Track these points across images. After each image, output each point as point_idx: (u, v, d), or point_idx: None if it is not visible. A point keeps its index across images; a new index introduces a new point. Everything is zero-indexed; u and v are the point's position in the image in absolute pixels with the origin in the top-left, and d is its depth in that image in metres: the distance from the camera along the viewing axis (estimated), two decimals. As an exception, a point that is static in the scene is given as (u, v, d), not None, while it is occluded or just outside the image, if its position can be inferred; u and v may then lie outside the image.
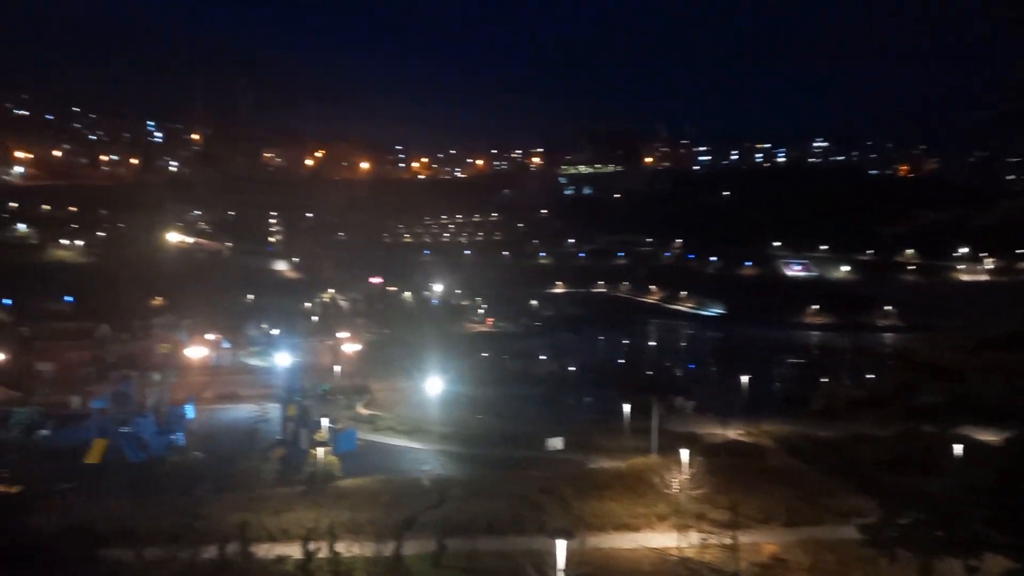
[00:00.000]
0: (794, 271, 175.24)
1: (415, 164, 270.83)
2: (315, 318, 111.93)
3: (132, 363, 67.42)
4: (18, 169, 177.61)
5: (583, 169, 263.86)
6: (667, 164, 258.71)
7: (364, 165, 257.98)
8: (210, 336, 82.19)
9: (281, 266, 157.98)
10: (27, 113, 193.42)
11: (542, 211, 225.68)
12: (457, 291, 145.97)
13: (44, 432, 43.96)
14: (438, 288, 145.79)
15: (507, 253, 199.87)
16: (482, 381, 65.14)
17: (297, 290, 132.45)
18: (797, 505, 27.79)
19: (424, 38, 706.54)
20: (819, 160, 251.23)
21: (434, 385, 51.66)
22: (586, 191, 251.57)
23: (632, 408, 42.13)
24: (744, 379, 49.11)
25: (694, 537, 24.58)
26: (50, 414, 45.94)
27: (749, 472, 32.67)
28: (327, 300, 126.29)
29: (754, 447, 39.98)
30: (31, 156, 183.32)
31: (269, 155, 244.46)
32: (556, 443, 38.61)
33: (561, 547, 14.94)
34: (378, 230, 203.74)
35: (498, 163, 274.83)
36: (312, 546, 22.08)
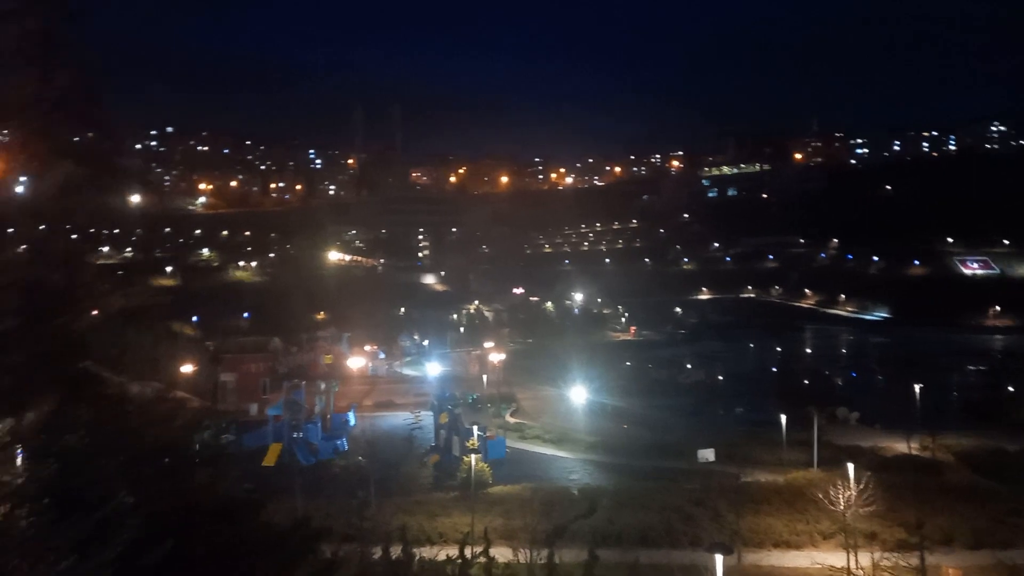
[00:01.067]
0: (971, 269, 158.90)
1: (553, 175, 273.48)
2: (462, 329, 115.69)
3: (301, 373, 72.93)
4: (201, 199, 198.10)
5: (727, 170, 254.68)
6: (819, 160, 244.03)
7: (504, 179, 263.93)
8: (367, 347, 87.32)
9: (430, 280, 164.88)
10: (207, 148, 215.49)
11: (684, 216, 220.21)
12: (598, 300, 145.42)
13: (228, 437, 48.62)
14: (579, 297, 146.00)
15: (648, 260, 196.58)
16: (627, 390, 64.44)
17: (445, 302, 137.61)
18: (983, 525, 25.23)
19: (559, 46, 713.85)
20: (996, 146, 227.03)
21: (579, 394, 51.81)
22: (731, 192, 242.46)
23: (789, 419, 40.08)
24: (916, 388, 45.21)
25: (865, 558, 22.98)
26: (233, 420, 50.62)
27: (925, 489, 30.07)
28: (472, 311, 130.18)
29: (930, 462, 36.70)
30: (211, 187, 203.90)
31: (416, 174, 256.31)
32: (708, 455, 37.45)
33: (719, 562, 14.54)
34: (519, 242, 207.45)
35: (637, 168, 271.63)
36: (469, 550, 22.88)
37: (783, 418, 38.72)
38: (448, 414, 43.43)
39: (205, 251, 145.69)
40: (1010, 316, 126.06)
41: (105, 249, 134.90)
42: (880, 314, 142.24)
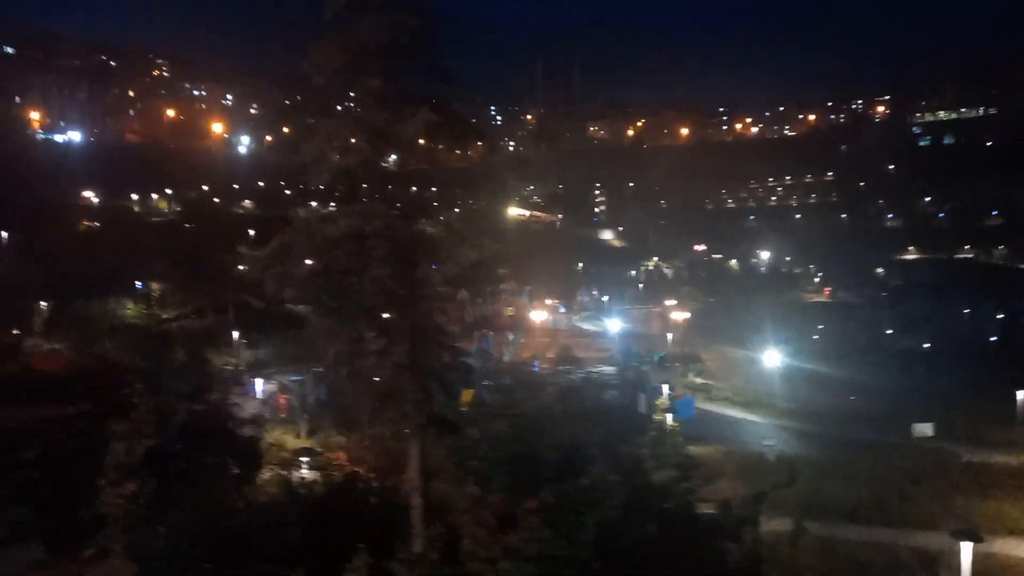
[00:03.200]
0: None
1: (739, 125, 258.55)
2: (640, 286, 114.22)
3: (486, 323, 75.96)
4: (392, 158, 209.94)
5: (942, 115, 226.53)
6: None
7: (685, 130, 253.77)
8: (548, 301, 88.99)
9: (607, 235, 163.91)
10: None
11: (888, 166, 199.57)
12: (787, 258, 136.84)
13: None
14: (766, 255, 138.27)
15: (845, 216, 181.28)
16: (822, 354, 60.39)
17: (623, 258, 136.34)
18: None
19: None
20: None
21: (772, 357, 49.36)
22: (946, 140, 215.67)
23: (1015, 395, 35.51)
24: None
25: None
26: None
27: None
28: (652, 268, 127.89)
29: None
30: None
31: (594, 127, 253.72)
32: (925, 429, 34.23)
33: (967, 550, 13.14)
34: (700, 196, 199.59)
35: (834, 116, 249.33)
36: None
37: (1020, 394, 34.31)
38: (634, 371, 43.20)
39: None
40: None
41: (314, 204, 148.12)
42: None
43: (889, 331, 79.87)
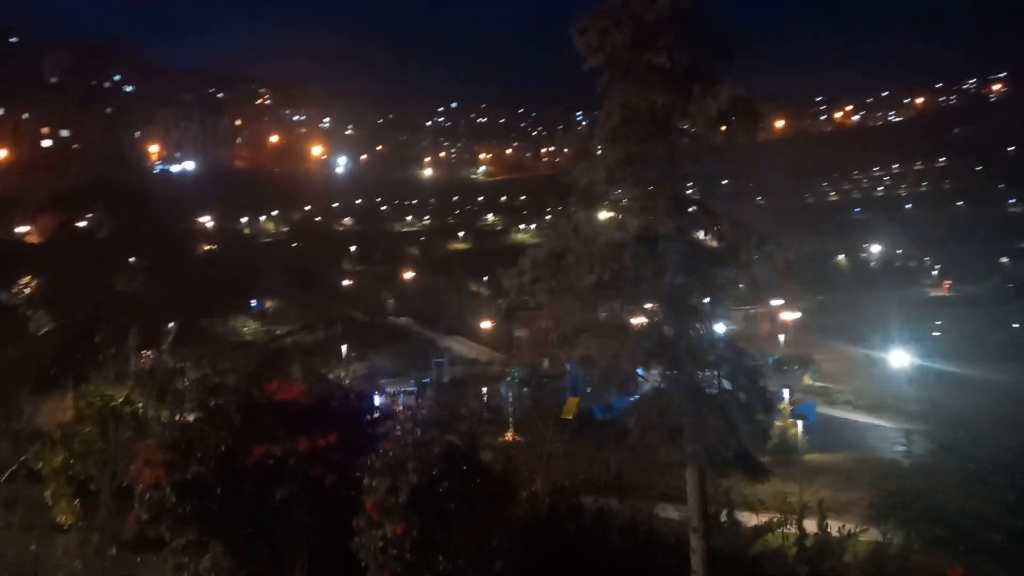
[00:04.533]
0: None
1: (838, 114, 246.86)
2: (741, 285, 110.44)
3: (584, 329, 75.39)
4: (481, 168, 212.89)
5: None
6: None
7: (780, 122, 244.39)
8: (648, 305, 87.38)
9: (701, 235, 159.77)
10: (485, 120, 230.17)
11: (1008, 148, 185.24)
12: (899, 251, 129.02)
13: (527, 389, 51.93)
14: (876, 248, 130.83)
15: (962, 203, 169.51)
16: (948, 353, 56.32)
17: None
18: None
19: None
20: None
21: (895, 357, 46.52)
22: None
23: None
24: None
25: None
26: (534, 373, 53.89)
27: None
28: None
29: None
30: (490, 156, 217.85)
31: (684, 126, 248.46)
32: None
33: None
34: (800, 190, 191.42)
35: (942, 99, 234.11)
36: (805, 522, 21.56)
37: None
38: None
39: (490, 216, 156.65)
40: None
41: (409, 218, 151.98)
42: None
43: (1016, 325, 73.85)
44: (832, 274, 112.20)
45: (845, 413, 41.71)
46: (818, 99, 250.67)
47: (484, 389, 46.33)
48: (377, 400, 41.67)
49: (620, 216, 15.93)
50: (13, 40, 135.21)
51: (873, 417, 40.22)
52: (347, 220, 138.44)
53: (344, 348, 59.84)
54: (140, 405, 18.74)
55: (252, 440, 11.88)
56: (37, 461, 15.81)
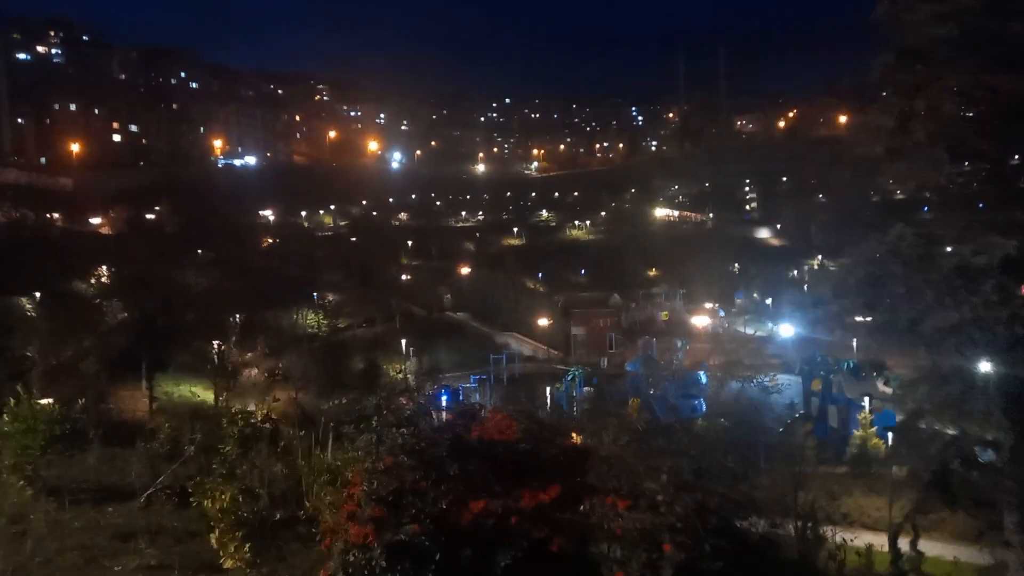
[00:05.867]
0: None
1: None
2: (805, 287, 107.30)
3: (642, 328, 74.30)
4: (535, 164, 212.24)
5: None
6: None
7: (843, 119, 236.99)
8: (707, 304, 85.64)
9: (763, 233, 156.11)
10: (538, 115, 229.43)
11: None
12: (972, 247, 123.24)
13: (589, 388, 51.28)
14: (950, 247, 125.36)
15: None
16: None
17: (782, 257, 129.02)
18: None
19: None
20: None
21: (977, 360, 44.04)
22: None
23: None
24: None
25: None
26: (594, 373, 53.24)
27: None
28: (816, 267, 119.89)
29: None
30: (543, 152, 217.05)
31: (742, 121, 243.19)
32: None
33: None
34: (865, 187, 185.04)
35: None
36: (897, 541, 20.43)
37: None
38: (822, 380, 40.14)
39: (543, 212, 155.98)
40: None
41: (463, 213, 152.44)
42: None
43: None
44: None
45: (923, 421, 39.75)
46: (884, 93, 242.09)
47: (548, 389, 45.73)
48: (445, 399, 41.47)
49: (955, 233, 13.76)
50: (84, 39, 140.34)
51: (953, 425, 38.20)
52: (403, 215, 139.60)
53: (403, 343, 60.07)
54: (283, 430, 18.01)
55: (467, 493, 10.33)
56: (199, 495, 14.17)
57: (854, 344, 54.20)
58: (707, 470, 10.53)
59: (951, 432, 14.89)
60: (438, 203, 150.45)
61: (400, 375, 52.11)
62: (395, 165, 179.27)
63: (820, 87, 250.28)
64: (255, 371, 47.47)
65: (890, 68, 14.96)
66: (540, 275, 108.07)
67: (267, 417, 17.73)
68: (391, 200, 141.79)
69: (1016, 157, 15.21)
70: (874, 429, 32.55)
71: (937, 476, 16.53)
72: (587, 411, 45.63)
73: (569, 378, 49.03)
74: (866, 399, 34.37)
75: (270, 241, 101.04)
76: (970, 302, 12.86)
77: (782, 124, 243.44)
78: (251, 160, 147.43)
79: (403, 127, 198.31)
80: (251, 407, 23.51)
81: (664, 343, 59.97)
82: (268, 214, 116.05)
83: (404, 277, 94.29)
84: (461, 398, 42.74)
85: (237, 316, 54.68)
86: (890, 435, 27.09)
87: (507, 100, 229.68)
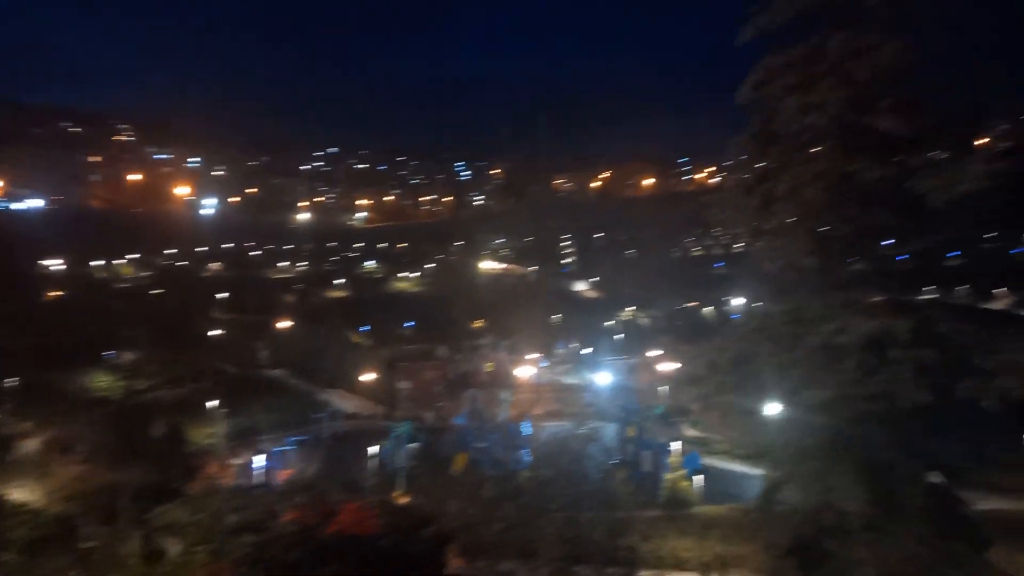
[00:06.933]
0: None
1: (700, 175, 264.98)
2: (618, 336, 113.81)
3: (468, 381, 74.50)
4: (360, 215, 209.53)
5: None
6: None
7: (649, 181, 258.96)
8: (530, 355, 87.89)
9: (581, 286, 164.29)
10: (366, 166, 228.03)
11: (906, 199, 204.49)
12: (759, 303, 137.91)
13: (415, 444, 50.19)
14: (738, 302, 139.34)
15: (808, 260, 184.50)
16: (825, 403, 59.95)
17: (598, 309, 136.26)
18: None
19: (697, 42, 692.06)
20: None
21: (769, 405, 48.79)
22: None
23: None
24: None
25: None
26: (421, 429, 52.27)
27: None
28: (628, 318, 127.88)
29: None
30: (370, 202, 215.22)
31: (561, 180, 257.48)
32: (933, 477, 33.71)
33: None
34: (668, 245, 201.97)
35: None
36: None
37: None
38: (636, 427, 42.29)
39: (370, 263, 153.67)
40: None
41: (283, 264, 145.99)
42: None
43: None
44: (702, 325, 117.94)
45: (726, 463, 43.11)
46: (680, 160, 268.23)
47: (374, 447, 44.15)
48: (256, 463, 38.58)
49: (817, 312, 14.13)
50: None
51: (753, 466, 41.72)
52: (215, 265, 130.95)
53: (212, 403, 55.37)
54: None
55: None
56: None
57: (662, 391, 58.08)
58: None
59: (813, 502, 15.96)
60: (255, 252, 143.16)
61: (209, 440, 48.24)
62: (207, 212, 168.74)
63: (629, 152, 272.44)
64: (34, 442, 41.45)
65: (751, 149, 16.06)
66: (365, 328, 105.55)
67: (61, 515, 14.82)
68: (203, 249, 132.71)
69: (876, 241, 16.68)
70: (683, 472, 34.59)
71: (795, 546, 17.67)
72: (414, 468, 44.82)
73: (395, 435, 47.77)
74: (675, 443, 36.59)
75: (56, 293, 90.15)
76: (834, 379, 14.06)
77: (597, 183, 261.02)
78: (37, 203, 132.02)
79: (219, 172, 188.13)
80: (32, 493, 20.07)
81: (490, 395, 60.54)
82: (56, 263, 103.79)
83: (215, 332, 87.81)
84: (279, 464, 40.01)
85: (15, 379, 47.82)
86: (696, 478, 28.85)
87: (333, 150, 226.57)
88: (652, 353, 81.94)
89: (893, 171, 13.69)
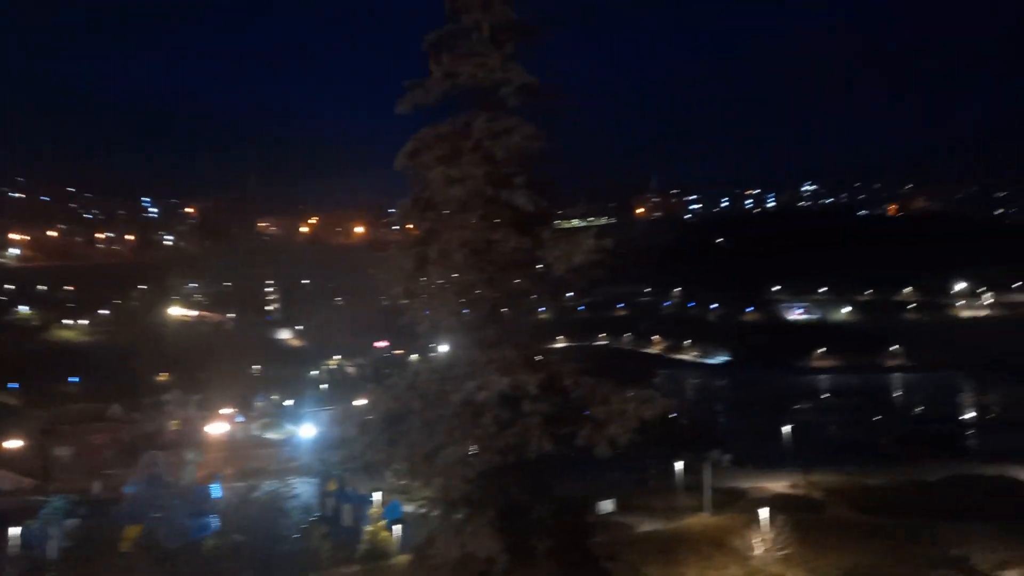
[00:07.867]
0: (795, 315, 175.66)
1: (409, 225, 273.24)
2: (324, 386, 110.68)
3: (150, 442, 66.09)
4: (13, 251, 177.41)
5: (575, 223, 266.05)
6: (659, 214, 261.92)
7: (358, 229, 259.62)
8: (224, 410, 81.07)
9: (284, 335, 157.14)
10: (23, 196, 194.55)
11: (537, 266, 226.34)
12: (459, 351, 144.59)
13: (74, 521, 42.64)
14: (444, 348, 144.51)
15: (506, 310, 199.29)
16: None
17: (303, 358, 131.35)
18: (891, 561, 26.98)
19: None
20: (809, 203, 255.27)
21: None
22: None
23: (667, 465, 41.55)
24: (786, 428, 48.56)
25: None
26: (82, 502, 44.68)
27: (816, 527, 31.77)
28: (334, 367, 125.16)
29: (809, 500, 39.19)
30: (27, 238, 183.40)
31: (265, 224, 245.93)
32: (607, 506, 37.73)
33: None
34: (375, 293, 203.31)
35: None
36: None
37: (678, 465, 39.96)
38: (336, 480, 40.88)
39: (23, 308, 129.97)
40: (833, 357, 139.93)
41: None
42: (722, 358, 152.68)
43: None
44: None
45: (426, 509, 43.50)
46: (390, 211, 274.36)
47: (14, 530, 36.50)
48: None
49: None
50: None
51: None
52: None
53: None
54: None
55: None
56: None
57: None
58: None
59: (457, 553, 16.28)
60: None
61: None
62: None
63: (338, 199, 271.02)
64: None
65: (408, 214, 17.03)
66: (13, 385, 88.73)
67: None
68: None
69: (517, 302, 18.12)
70: (383, 522, 34.08)
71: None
72: (71, 549, 37.91)
73: (44, 511, 40.14)
74: (376, 495, 36.05)
75: None
76: (475, 434, 14.80)
77: (305, 229, 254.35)
78: None
79: None
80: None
81: (174, 456, 54.21)
82: None
83: None
84: None
85: None
86: (395, 527, 28.60)
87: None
88: (359, 403, 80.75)
89: (527, 242, 15.90)
